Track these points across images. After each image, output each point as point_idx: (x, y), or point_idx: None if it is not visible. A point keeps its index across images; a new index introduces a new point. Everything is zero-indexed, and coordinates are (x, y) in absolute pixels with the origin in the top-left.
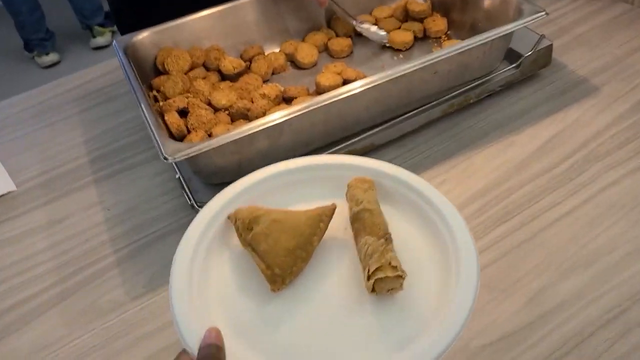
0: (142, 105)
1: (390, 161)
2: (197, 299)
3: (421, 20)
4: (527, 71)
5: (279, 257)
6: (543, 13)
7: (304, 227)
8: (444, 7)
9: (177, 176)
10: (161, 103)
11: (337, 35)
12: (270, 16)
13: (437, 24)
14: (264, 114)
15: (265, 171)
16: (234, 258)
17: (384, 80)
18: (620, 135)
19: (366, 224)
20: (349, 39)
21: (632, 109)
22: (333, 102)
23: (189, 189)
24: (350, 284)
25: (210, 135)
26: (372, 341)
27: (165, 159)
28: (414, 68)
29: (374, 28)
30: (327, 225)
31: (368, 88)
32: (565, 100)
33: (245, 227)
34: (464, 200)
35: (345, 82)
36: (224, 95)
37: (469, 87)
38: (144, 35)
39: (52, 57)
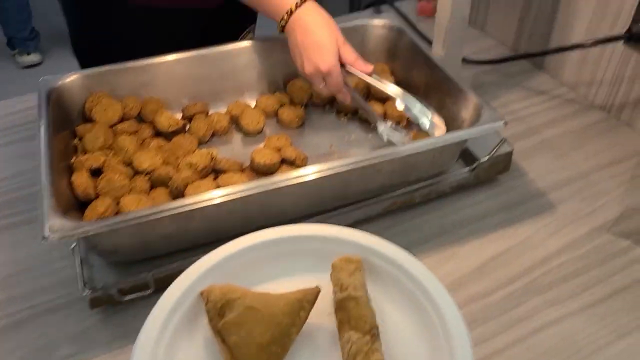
0: (43, 167)
1: None
2: None
3: (383, 101)
4: (483, 176)
5: (251, 353)
6: (501, 122)
7: (282, 317)
8: (408, 89)
9: (72, 246)
10: (73, 159)
11: (292, 102)
12: (223, 71)
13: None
14: (184, 187)
15: (242, 242)
16: (205, 342)
17: (315, 177)
18: (569, 266)
19: (351, 315)
20: (302, 109)
21: (587, 236)
22: (254, 194)
23: (81, 263)
24: None
25: (118, 203)
26: None
27: (46, 238)
28: (349, 167)
29: (396, 136)
30: (309, 313)
31: (296, 183)
32: (519, 214)
33: (217, 311)
34: None
35: (284, 161)
36: (148, 158)
37: (415, 187)
38: (74, 78)
39: (32, 58)
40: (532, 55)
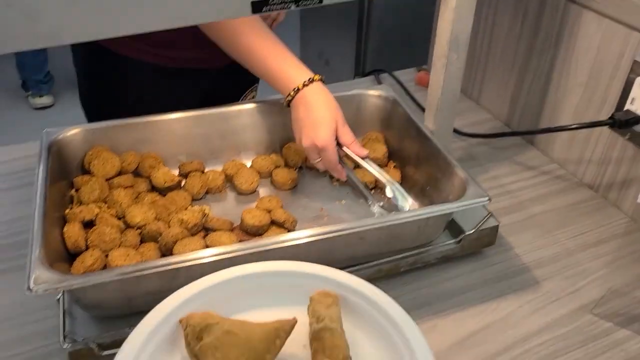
0: (36, 216)
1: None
2: None
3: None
4: (468, 248)
5: None
6: (486, 199)
7: (258, 343)
8: (400, 159)
9: (57, 297)
10: (67, 211)
11: (286, 164)
12: (221, 131)
13: (391, 176)
14: (173, 244)
15: (222, 274)
16: None
17: (302, 242)
18: (550, 345)
19: (326, 345)
20: (296, 171)
21: (569, 316)
22: (240, 255)
23: (64, 315)
24: None
25: (107, 256)
26: None
27: (30, 289)
28: (337, 234)
29: (403, 202)
30: (284, 342)
31: (282, 247)
32: (502, 289)
33: (194, 335)
34: None
35: (274, 222)
36: (140, 213)
37: (401, 256)
38: (76, 132)
39: (45, 100)
40: (521, 133)
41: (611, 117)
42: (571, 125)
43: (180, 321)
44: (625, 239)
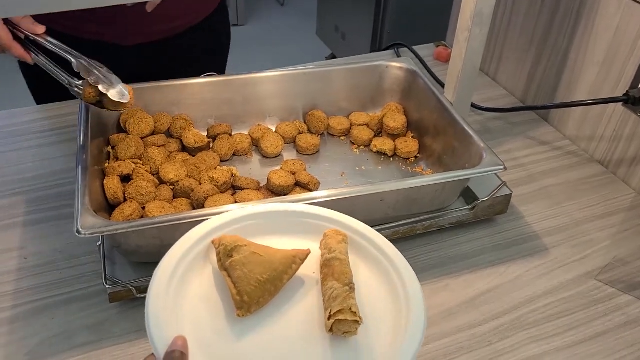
0: (79, 169)
1: None
2: (172, 308)
3: (394, 137)
4: (482, 215)
5: (250, 285)
6: (501, 167)
7: (278, 265)
8: (419, 129)
9: (98, 243)
10: (106, 164)
11: (309, 130)
12: (248, 97)
13: (408, 145)
14: (205, 199)
15: (251, 209)
16: (211, 278)
17: (325, 200)
18: (555, 307)
19: (335, 270)
20: (319, 137)
21: (574, 281)
22: (266, 212)
23: (105, 260)
24: (310, 320)
25: (144, 208)
26: None
27: (79, 232)
28: (358, 194)
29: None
30: (299, 267)
31: (307, 204)
32: (512, 254)
33: (226, 253)
34: None
35: (298, 184)
36: (173, 170)
37: (417, 219)
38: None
39: None
40: (537, 108)
41: (625, 94)
42: (586, 100)
43: (213, 241)
44: (632, 212)
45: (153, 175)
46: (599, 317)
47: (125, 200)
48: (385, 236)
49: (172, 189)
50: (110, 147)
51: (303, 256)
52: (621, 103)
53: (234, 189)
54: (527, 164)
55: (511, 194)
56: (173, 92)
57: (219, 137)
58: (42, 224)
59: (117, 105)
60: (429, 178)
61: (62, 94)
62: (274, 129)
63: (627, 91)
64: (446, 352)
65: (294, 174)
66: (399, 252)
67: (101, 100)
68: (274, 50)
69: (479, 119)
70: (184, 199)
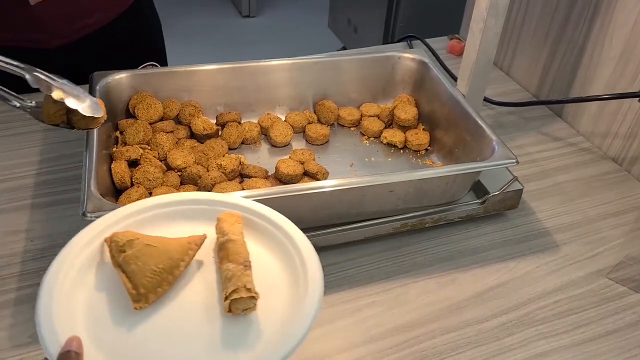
0: (87, 153)
1: (326, 267)
2: (64, 309)
3: (405, 129)
4: (492, 209)
5: (145, 278)
6: (513, 161)
7: (174, 253)
8: (430, 121)
9: None
10: (114, 149)
11: (319, 120)
12: (258, 85)
13: (419, 137)
14: (212, 187)
15: (141, 203)
16: (106, 276)
17: (333, 189)
18: (564, 304)
19: (229, 252)
20: (328, 127)
21: (585, 278)
22: (275, 198)
23: None
24: (210, 303)
25: (151, 194)
26: (222, 357)
27: (84, 214)
28: (368, 184)
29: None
30: (196, 253)
31: (315, 192)
32: (522, 250)
33: (118, 249)
34: (385, 330)
35: (306, 173)
36: (181, 156)
37: (427, 212)
38: (122, 76)
39: None
40: (551, 102)
41: None
42: (602, 95)
43: (105, 240)
44: None
45: (161, 161)
46: (609, 316)
47: (132, 185)
48: (393, 228)
49: (180, 176)
50: (118, 132)
51: (199, 241)
52: (638, 99)
53: (241, 177)
54: (540, 160)
55: (522, 189)
56: (183, 78)
57: (227, 125)
58: (49, 207)
59: (90, 121)
60: (440, 170)
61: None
62: (283, 118)
63: None
64: (453, 347)
65: (302, 163)
66: (294, 225)
67: (69, 119)
68: (285, 43)
69: (491, 113)
70: (191, 185)
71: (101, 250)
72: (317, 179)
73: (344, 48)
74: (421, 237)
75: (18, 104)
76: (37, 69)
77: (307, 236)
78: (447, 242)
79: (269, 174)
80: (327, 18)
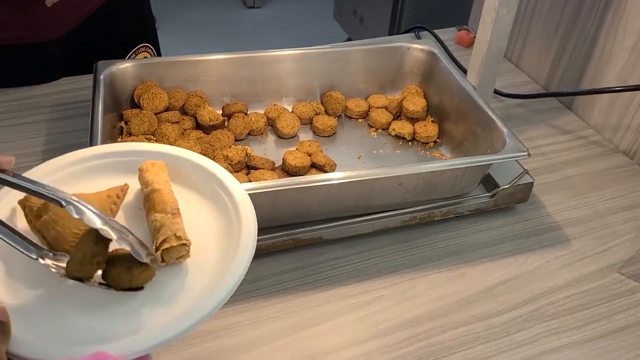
0: (91, 143)
1: (334, 260)
2: None
3: (414, 121)
4: (502, 203)
5: (68, 243)
6: (525, 154)
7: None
8: (439, 113)
9: None
10: (119, 139)
11: (326, 112)
12: (265, 75)
13: (428, 129)
14: None
15: (57, 160)
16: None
17: (341, 182)
18: (575, 299)
19: (155, 202)
20: (336, 119)
21: (596, 273)
22: (282, 190)
23: None
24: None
25: None
26: (153, 306)
27: None
28: (377, 176)
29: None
30: (119, 206)
31: (323, 185)
32: (532, 244)
33: (34, 214)
34: (394, 324)
35: (314, 165)
36: (187, 147)
37: (435, 205)
38: (127, 66)
39: None
40: (562, 94)
41: None
42: (614, 87)
43: (19, 203)
44: None
45: None
46: (621, 311)
47: None
48: (402, 221)
49: None
50: (123, 122)
51: (121, 193)
52: None
53: (248, 169)
54: (550, 153)
55: (533, 182)
56: (188, 67)
57: (234, 116)
58: None
59: (143, 275)
60: (450, 162)
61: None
62: (290, 109)
63: None
64: (462, 342)
65: (309, 155)
66: (222, 168)
67: (105, 273)
68: (290, 34)
69: (500, 106)
70: None
71: (15, 213)
72: (325, 171)
73: (350, 39)
74: (430, 231)
75: (35, 256)
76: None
77: (314, 229)
78: (457, 235)
79: (276, 165)
80: (332, 9)
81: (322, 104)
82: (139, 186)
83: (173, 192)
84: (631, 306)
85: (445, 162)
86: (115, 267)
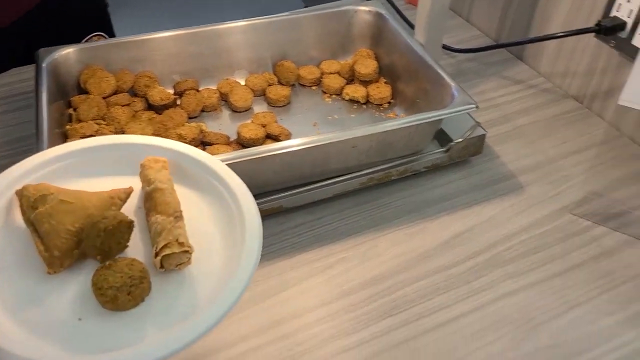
0: (38, 132)
1: (295, 228)
2: None
3: (366, 84)
4: (456, 157)
5: (60, 239)
6: (473, 106)
7: (93, 210)
8: (391, 74)
9: None
10: (67, 127)
11: (279, 82)
12: (215, 49)
13: (381, 91)
14: None
15: (55, 150)
16: (16, 234)
17: (295, 149)
18: (530, 243)
19: (157, 202)
20: (289, 88)
21: (549, 216)
22: (238, 162)
23: None
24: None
25: None
26: (153, 316)
27: None
28: (329, 141)
29: None
30: (120, 208)
31: (277, 154)
32: (487, 194)
33: (30, 205)
34: (357, 284)
35: (269, 136)
36: (139, 129)
37: (392, 164)
38: (70, 51)
39: None
40: (508, 45)
41: (597, 24)
42: (557, 33)
43: (16, 193)
44: (606, 145)
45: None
46: (574, 250)
47: None
48: (360, 183)
49: None
50: (71, 109)
51: (124, 195)
52: (593, 34)
53: (203, 145)
54: (502, 104)
55: (485, 134)
56: (134, 48)
57: (185, 94)
58: None
59: None
60: (400, 121)
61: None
62: (243, 83)
63: (599, 21)
64: (423, 294)
65: (264, 126)
66: (229, 169)
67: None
68: (246, 4)
69: (452, 62)
70: None
71: (11, 206)
72: (280, 141)
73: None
74: (389, 190)
75: None
76: None
77: (273, 199)
78: (414, 193)
79: (231, 139)
80: None
81: (274, 74)
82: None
83: (175, 192)
84: (583, 244)
85: (395, 121)
86: (102, 295)
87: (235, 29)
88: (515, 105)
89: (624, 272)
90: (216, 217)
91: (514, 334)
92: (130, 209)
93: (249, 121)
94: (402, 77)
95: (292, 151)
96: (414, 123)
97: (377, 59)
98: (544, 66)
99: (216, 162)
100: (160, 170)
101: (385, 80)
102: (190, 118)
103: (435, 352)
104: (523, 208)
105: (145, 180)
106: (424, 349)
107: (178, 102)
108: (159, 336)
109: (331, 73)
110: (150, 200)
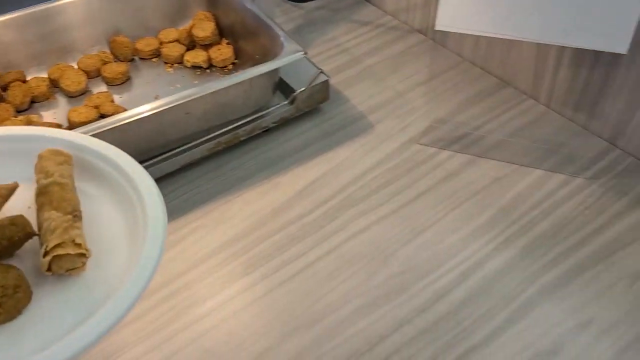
0: None
1: None
2: None
3: (207, 47)
4: (304, 107)
5: None
6: (301, 52)
7: None
8: (232, 34)
9: None
10: None
11: (117, 59)
12: (40, 34)
13: (222, 52)
14: None
15: None
16: None
17: (113, 126)
18: (380, 178)
19: (53, 198)
20: (126, 64)
21: (398, 150)
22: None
23: None
24: (26, 264)
25: None
26: (33, 330)
27: None
28: (155, 111)
29: None
30: (1, 207)
31: (100, 132)
32: (339, 139)
33: None
34: (211, 249)
35: (103, 117)
36: None
37: (237, 124)
38: None
39: None
40: None
41: None
42: None
43: None
44: (449, 72)
45: None
46: (421, 178)
47: None
48: (208, 150)
49: None
50: None
51: (5, 192)
52: None
53: None
54: (350, 48)
55: (328, 79)
56: None
57: (10, 86)
58: None
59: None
60: (227, 80)
61: None
62: (75, 65)
63: None
64: (279, 246)
65: (97, 107)
66: (134, 161)
67: None
68: None
69: (301, 13)
70: None
71: None
72: None
73: None
74: (240, 152)
75: None
76: None
77: None
78: (266, 150)
79: (64, 127)
80: None
81: (110, 52)
82: (29, 183)
83: (76, 189)
84: (429, 171)
85: (221, 80)
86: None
87: (62, 7)
88: (364, 47)
89: (466, 191)
90: (120, 214)
91: (367, 268)
92: (18, 208)
93: (82, 105)
94: (241, 36)
95: (116, 127)
96: (239, 80)
97: (216, 20)
98: (389, 4)
99: (119, 152)
100: (62, 164)
101: (227, 41)
102: (19, 111)
103: (292, 300)
104: (373, 146)
105: (43, 172)
106: (280, 300)
107: (3, 96)
108: (39, 354)
109: (170, 42)
110: (46, 195)
